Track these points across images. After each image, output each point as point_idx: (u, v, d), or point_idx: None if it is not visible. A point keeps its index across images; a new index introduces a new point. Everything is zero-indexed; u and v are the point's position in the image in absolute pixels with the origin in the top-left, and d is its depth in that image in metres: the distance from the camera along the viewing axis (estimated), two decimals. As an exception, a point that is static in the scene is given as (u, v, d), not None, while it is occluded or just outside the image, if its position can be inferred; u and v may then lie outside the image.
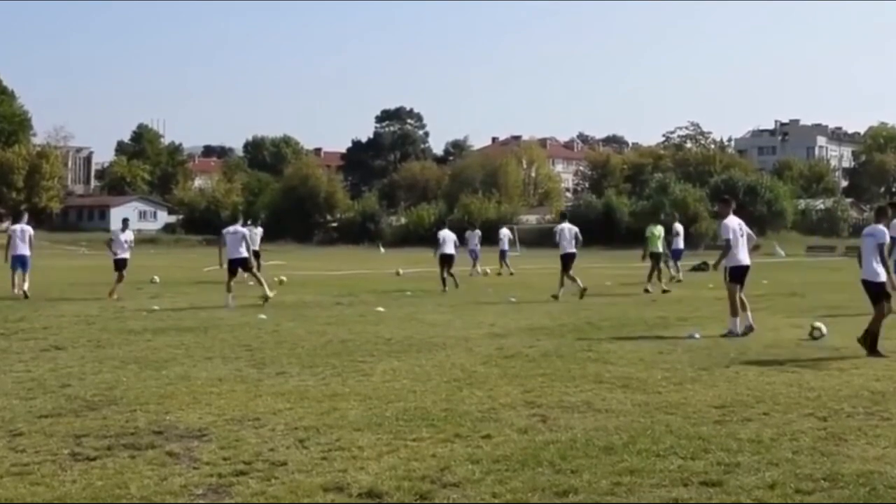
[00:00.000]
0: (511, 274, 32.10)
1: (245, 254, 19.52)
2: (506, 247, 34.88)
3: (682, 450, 6.48)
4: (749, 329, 13.33)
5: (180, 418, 7.67)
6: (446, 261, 24.35)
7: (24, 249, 21.23)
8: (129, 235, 23.11)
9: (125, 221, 24.17)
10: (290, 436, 7.02)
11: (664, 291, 22.47)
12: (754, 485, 5.67)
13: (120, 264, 21.97)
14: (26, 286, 20.75)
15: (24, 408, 8.12)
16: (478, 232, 34.83)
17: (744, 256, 13.88)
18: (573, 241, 21.31)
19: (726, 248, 13.82)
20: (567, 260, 21.08)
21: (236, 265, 19.31)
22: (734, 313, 13.47)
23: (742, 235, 13.90)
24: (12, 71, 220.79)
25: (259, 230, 30.07)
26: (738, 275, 13.76)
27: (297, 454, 6.48)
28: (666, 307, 18.41)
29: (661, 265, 24.34)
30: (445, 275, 23.98)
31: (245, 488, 5.70)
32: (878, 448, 6.59)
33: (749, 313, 13.56)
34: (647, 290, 22.52)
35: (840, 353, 11.45)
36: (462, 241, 30.55)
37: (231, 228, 19.91)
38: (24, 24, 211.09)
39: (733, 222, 13.90)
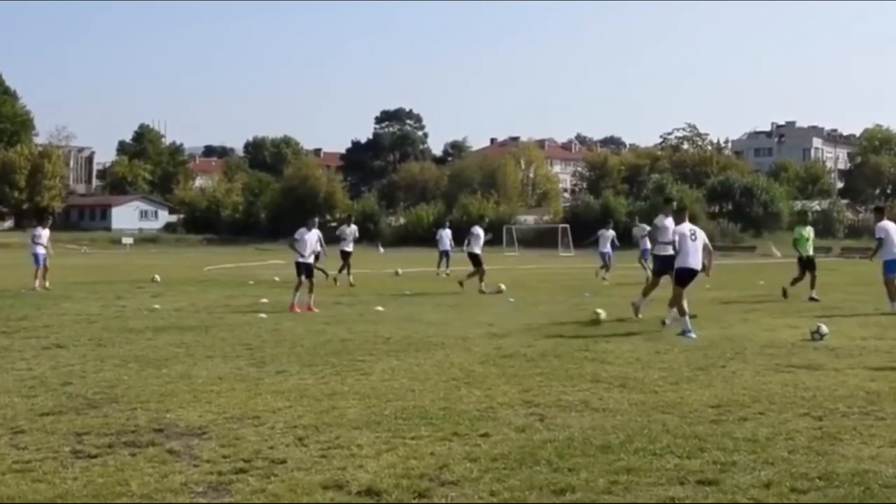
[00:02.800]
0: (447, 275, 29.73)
1: None
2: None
3: (679, 449, 6.53)
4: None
5: (181, 416, 7.72)
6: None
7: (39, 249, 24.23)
8: (314, 235, 19.43)
9: (311, 222, 19.66)
10: (290, 434, 7.06)
11: (812, 299, 19.66)
12: (750, 483, 5.72)
13: (301, 268, 18.74)
14: (46, 283, 23.66)
15: (25, 405, 8.17)
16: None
17: (692, 260, 14.13)
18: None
19: (676, 249, 14.32)
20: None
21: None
22: (682, 313, 13.80)
23: (695, 240, 14.19)
24: (15, 71, 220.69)
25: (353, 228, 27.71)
26: (682, 276, 14.17)
27: (297, 452, 6.53)
28: (663, 307, 18.42)
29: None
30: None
31: (245, 486, 5.74)
32: (873, 447, 6.63)
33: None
34: (785, 294, 20.27)
35: (836, 353, 11.49)
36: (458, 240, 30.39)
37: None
38: (27, 25, 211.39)
39: (685, 228, 14.31)
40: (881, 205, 16.32)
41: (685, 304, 13.85)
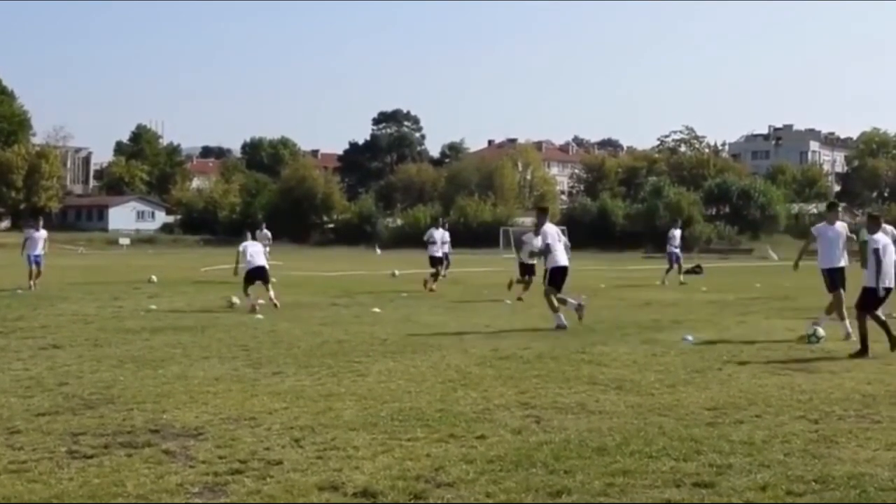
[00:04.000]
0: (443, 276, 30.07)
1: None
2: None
3: (675, 451, 6.53)
4: (562, 326, 14.46)
5: (177, 417, 7.72)
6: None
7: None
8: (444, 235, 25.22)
9: (438, 220, 21.92)
10: (286, 435, 7.06)
11: None
12: (746, 486, 5.73)
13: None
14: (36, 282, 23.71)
15: (21, 406, 8.17)
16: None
17: (562, 258, 15.27)
18: None
19: (545, 251, 15.23)
20: None
21: None
22: (555, 310, 14.82)
23: (560, 241, 15.42)
24: (12, 71, 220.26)
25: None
26: (557, 275, 15.13)
27: (293, 453, 6.53)
28: (660, 310, 18.48)
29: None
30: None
31: (240, 487, 5.74)
32: (869, 450, 6.65)
33: (564, 308, 14.92)
34: None
35: (832, 356, 11.52)
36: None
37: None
38: (24, 25, 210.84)
39: (551, 229, 15.51)
40: (876, 213, 14.97)
41: (555, 301, 14.94)
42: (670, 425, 7.42)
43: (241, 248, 19.45)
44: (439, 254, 25.59)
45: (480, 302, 20.74)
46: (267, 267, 19.41)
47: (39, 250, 24.40)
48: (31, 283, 23.64)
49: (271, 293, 18.54)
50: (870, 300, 11.82)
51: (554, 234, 15.34)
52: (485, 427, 7.35)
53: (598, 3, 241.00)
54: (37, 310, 17.70)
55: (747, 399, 8.58)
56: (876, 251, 11.82)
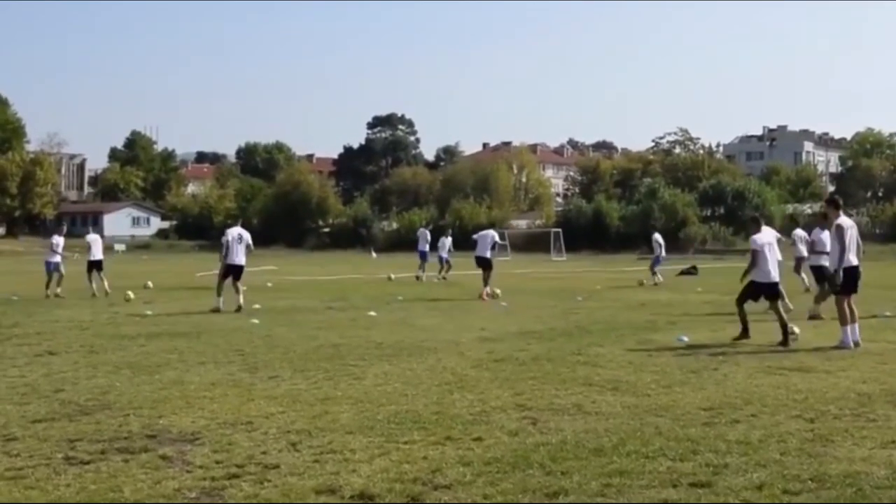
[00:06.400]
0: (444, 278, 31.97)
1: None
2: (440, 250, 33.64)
3: (671, 451, 6.55)
4: (216, 309, 18.36)
5: (173, 422, 7.72)
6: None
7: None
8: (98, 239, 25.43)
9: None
10: (283, 439, 7.07)
11: None
12: (742, 486, 5.74)
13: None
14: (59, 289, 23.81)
15: (18, 412, 8.16)
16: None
17: (238, 259, 19.23)
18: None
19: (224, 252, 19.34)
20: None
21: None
22: (219, 294, 18.75)
23: (240, 243, 19.32)
24: (6, 78, 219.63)
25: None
26: (230, 271, 19.13)
27: (290, 457, 6.54)
28: (655, 311, 18.50)
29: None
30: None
31: (238, 491, 5.74)
32: (865, 449, 6.66)
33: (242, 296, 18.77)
34: None
35: (827, 355, 11.55)
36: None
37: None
38: (17, 31, 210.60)
39: (233, 232, 19.42)
40: (755, 215, 14.16)
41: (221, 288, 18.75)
42: (666, 426, 7.44)
43: (88, 240, 24.50)
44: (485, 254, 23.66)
45: (476, 304, 20.74)
46: (102, 259, 24.34)
47: (59, 257, 24.38)
48: (50, 290, 23.47)
49: (104, 283, 23.46)
50: (748, 292, 13.63)
51: (235, 236, 19.28)
52: (481, 429, 7.36)
53: (591, 5, 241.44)
54: (32, 316, 17.69)
55: (743, 399, 8.60)
56: (754, 251, 13.55)
